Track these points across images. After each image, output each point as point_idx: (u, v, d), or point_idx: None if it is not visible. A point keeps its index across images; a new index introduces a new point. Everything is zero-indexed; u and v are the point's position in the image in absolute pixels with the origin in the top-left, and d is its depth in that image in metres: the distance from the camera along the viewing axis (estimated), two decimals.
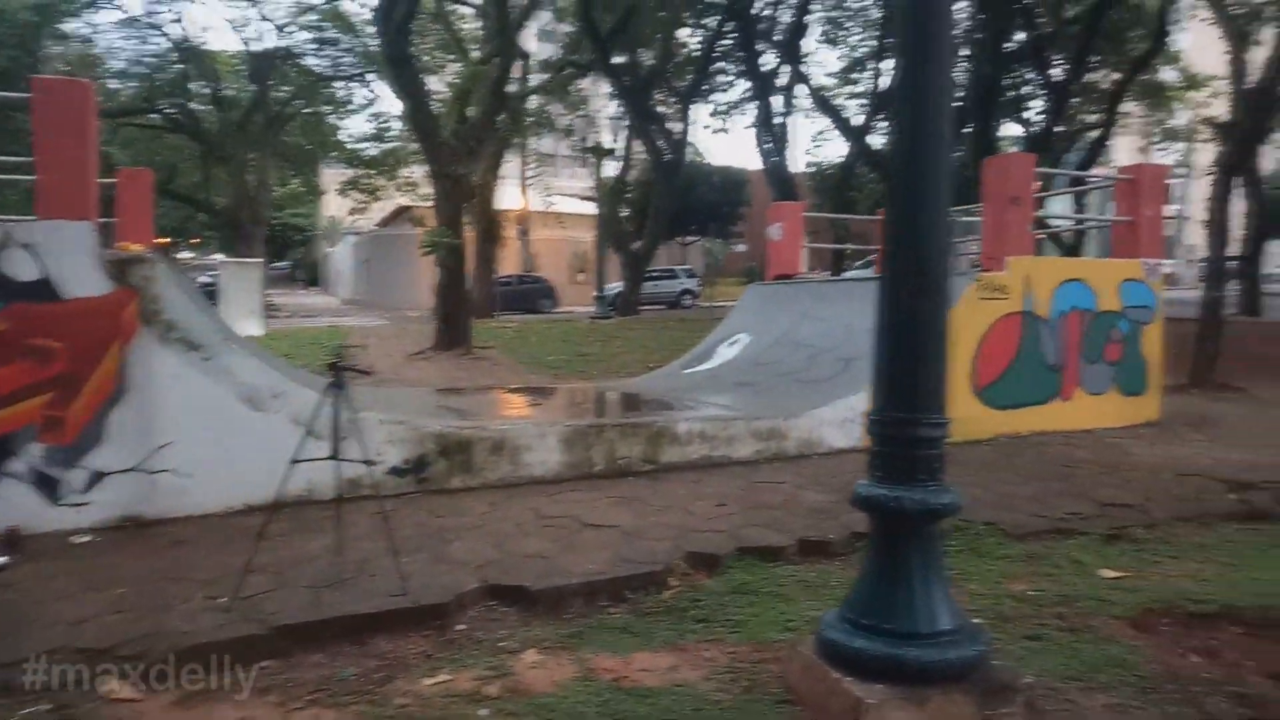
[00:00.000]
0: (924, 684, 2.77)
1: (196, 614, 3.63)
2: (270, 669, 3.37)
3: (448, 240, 12.88)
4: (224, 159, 28.65)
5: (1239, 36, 10.59)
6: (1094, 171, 19.63)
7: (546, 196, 32.87)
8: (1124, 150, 49.68)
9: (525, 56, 23.73)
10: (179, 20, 27.66)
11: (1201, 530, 5.11)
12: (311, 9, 27.95)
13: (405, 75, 13.08)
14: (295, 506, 5.02)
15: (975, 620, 3.66)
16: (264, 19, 28.29)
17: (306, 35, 28.84)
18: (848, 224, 21.21)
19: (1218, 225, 10.01)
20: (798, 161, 47.67)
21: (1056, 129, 21.83)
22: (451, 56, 25.59)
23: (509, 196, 31.87)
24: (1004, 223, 7.12)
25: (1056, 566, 4.47)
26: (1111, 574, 4.36)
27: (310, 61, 30.39)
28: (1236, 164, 10.14)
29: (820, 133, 28.40)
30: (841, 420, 6.65)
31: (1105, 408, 7.53)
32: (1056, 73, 21.42)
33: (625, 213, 30.31)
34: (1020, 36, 21.09)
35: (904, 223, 2.95)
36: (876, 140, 24.42)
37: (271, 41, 29.14)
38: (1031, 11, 19.99)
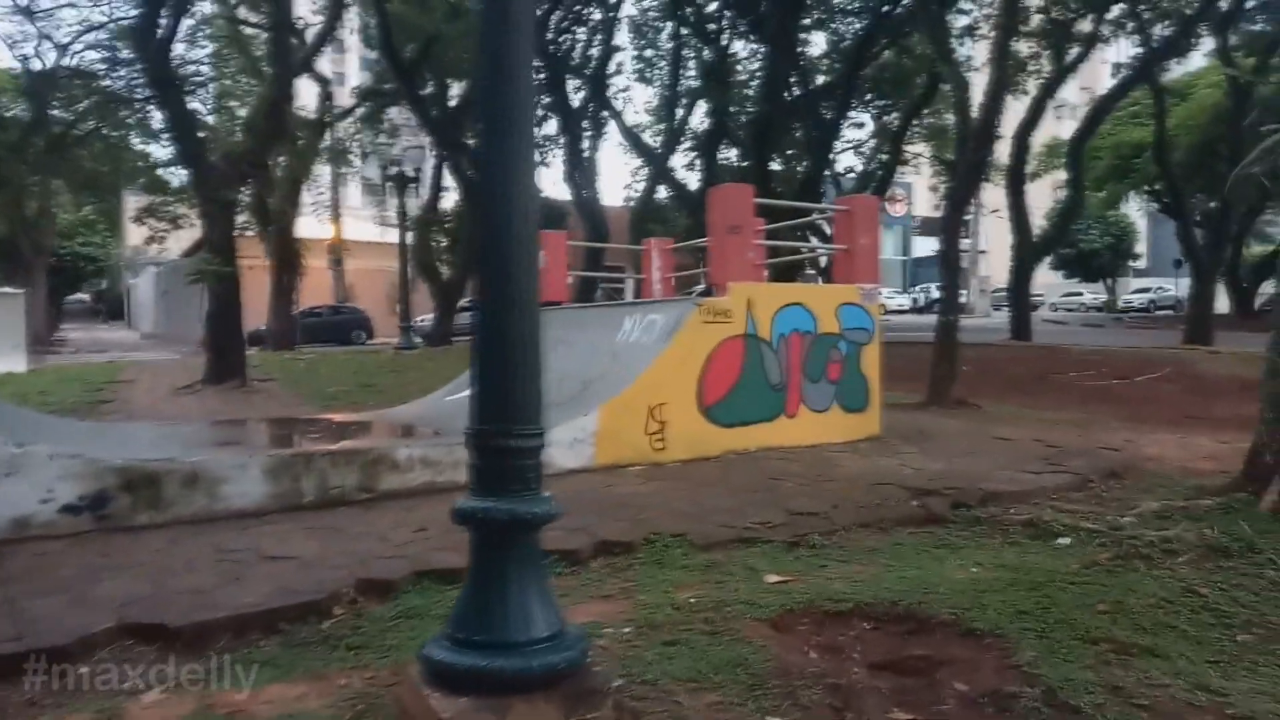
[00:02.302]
0: (509, 693, 2.78)
1: None
2: None
3: (214, 268, 12.33)
4: None
5: (960, 84, 11.69)
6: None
7: (326, 222, 32.03)
8: (922, 187, 53.35)
9: (325, 82, 23.18)
10: None
11: (878, 535, 5.42)
12: (99, 27, 26.31)
13: (169, 97, 12.49)
14: None
15: (614, 628, 3.79)
16: (44, 36, 26.07)
17: (95, 55, 27.11)
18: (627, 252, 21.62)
19: (949, 257, 10.89)
20: (615, 195, 48.77)
21: (835, 170, 23.40)
22: (254, 81, 24.72)
23: (318, 226, 30.95)
24: (725, 250, 7.42)
25: (729, 574, 4.64)
26: (776, 578, 4.56)
27: (102, 82, 28.59)
28: (963, 198, 11.10)
29: (639, 168, 29.05)
30: (571, 441, 6.67)
31: (829, 424, 7.94)
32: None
33: (444, 243, 29.97)
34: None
35: (492, 244, 3.00)
36: (677, 172, 25.40)
37: (52, 60, 27.22)
38: (803, 65, 21.47)
